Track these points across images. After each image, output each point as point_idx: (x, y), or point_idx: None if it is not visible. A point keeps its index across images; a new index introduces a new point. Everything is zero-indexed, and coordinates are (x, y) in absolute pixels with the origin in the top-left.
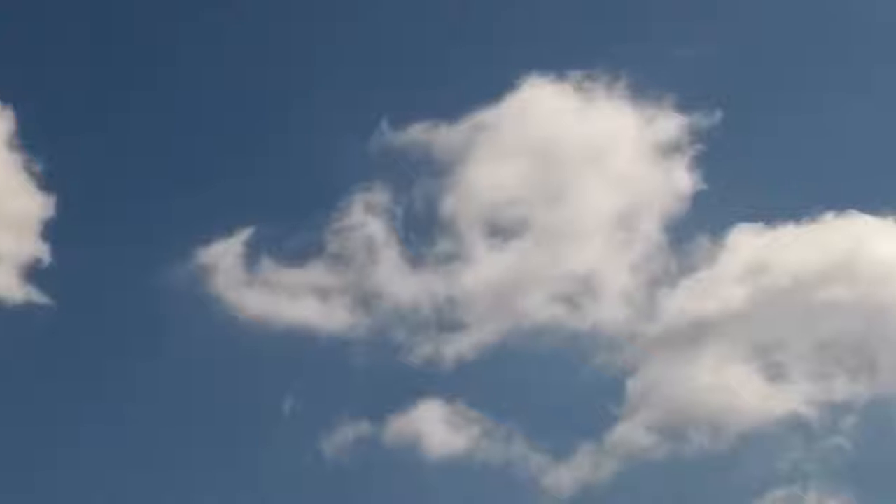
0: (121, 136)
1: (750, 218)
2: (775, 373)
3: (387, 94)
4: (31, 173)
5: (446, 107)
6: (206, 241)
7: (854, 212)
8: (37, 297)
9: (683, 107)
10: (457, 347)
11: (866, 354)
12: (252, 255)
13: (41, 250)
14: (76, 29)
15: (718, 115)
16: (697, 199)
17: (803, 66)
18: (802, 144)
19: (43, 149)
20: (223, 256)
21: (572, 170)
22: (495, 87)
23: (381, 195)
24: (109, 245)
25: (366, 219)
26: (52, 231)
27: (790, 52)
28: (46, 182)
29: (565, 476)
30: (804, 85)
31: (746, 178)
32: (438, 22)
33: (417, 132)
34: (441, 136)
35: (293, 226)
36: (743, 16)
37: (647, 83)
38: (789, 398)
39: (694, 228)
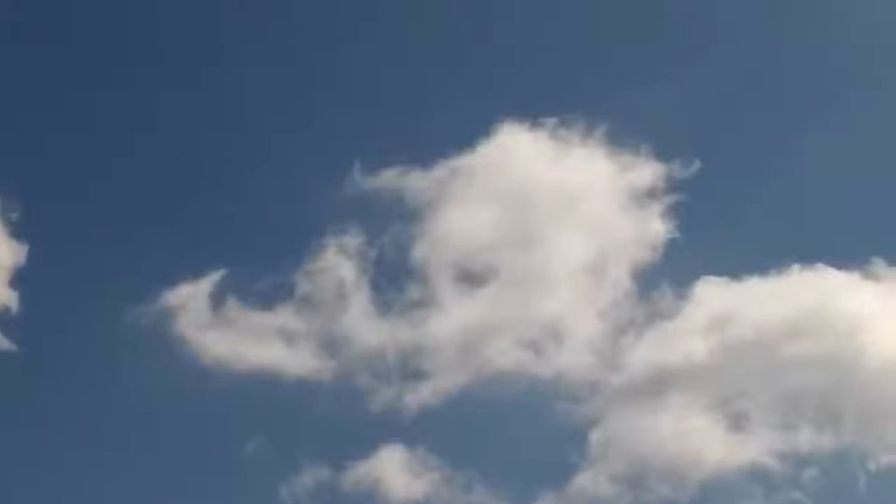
0: (93, 177)
1: (717, 270)
2: (738, 423)
3: (361, 139)
4: (6, 221)
5: (420, 152)
6: (175, 283)
7: (821, 265)
8: (2, 343)
9: (661, 155)
10: (420, 394)
11: (831, 407)
12: (220, 298)
13: (10, 297)
14: (48, 78)
15: (696, 164)
16: (668, 248)
17: (781, 119)
18: (775, 197)
19: (17, 197)
20: (190, 298)
21: (545, 217)
22: (470, 134)
23: (353, 239)
24: (78, 290)
25: (337, 263)
26: (21, 279)
27: (769, 103)
28: (19, 230)
29: None
30: (781, 137)
31: (718, 229)
32: (415, 67)
33: (390, 177)
34: (414, 182)
35: (264, 269)
36: (724, 64)
37: (625, 131)
38: (751, 449)
39: (662, 278)
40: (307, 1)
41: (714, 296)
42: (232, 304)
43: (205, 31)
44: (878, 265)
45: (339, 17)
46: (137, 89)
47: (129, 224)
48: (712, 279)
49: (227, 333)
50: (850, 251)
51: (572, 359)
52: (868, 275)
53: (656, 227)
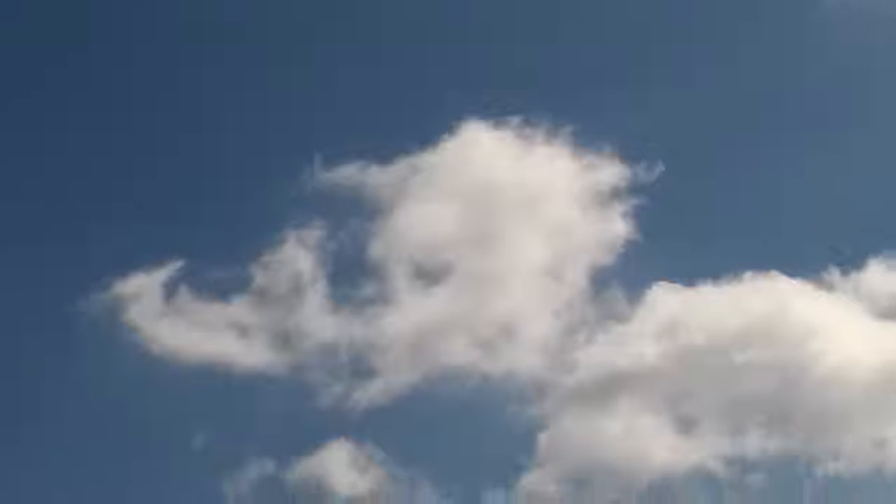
0: (53, 167)
1: (672, 275)
2: (686, 427)
3: (322, 133)
4: None
5: (382, 148)
6: (128, 273)
7: (775, 273)
8: None
9: (625, 157)
10: (370, 391)
11: (779, 413)
12: (173, 288)
13: None
14: None
15: (660, 167)
16: (626, 251)
17: (744, 126)
18: (733, 204)
19: None
20: (144, 288)
21: (505, 215)
22: (434, 130)
23: (312, 233)
24: (30, 279)
25: (295, 257)
26: None
27: (735, 110)
28: None
29: None
30: (743, 144)
31: (676, 233)
32: (379, 63)
33: (351, 172)
34: (374, 177)
35: (220, 260)
36: (692, 69)
37: (590, 132)
38: (699, 452)
39: (618, 281)
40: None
41: (667, 300)
42: (185, 294)
43: (167, 25)
44: (832, 274)
45: (303, 12)
46: (94, 79)
47: (84, 214)
48: (666, 284)
49: (179, 324)
50: (805, 260)
51: (524, 358)
52: (821, 283)
53: (616, 229)
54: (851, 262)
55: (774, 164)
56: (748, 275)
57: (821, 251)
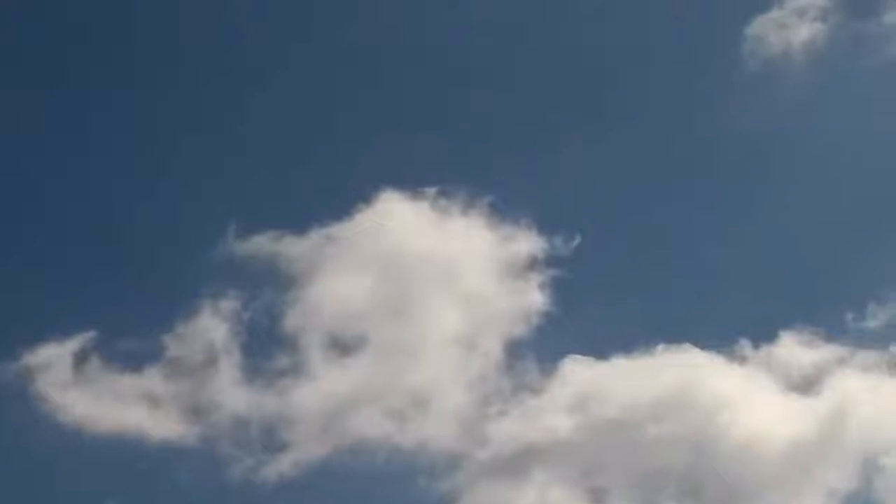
0: None
1: (585, 347)
2: (598, 498)
3: (237, 201)
4: None
5: (297, 218)
6: (38, 343)
7: (687, 346)
8: None
9: (543, 229)
10: (282, 464)
11: (691, 485)
12: (84, 358)
13: None
14: None
15: (577, 239)
16: (541, 323)
17: (662, 197)
18: (648, 276)
19: None
20: (54, 358)
21: (420, 286)
22: (350, 201)
23: (226, 304)
24: None
25: (209, 327)
26: None
27: (652, 182)
28: None
29: None
30: (660, 217)
31: (591, 305)
32: (296, 131)
33: (265, 242)
34: (289, 247)
35: (133, 330)
36: (610, 140)
37: (508, 203)
38: None
39: (532, 353)
40: (192, 64)
41: (580, 373)
42: (96, 364)
43: (77, 93)
44: (744, 347)
45: (220, 80)
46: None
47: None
48: (579, 357)
49: (89, 394)
50: (717, 332)
51: (437, 430)
52: (733, 356)
53: (532, 300)
54: (763, 334)
55: (688, 236)
56: (661, 347)
57: (733, 324)
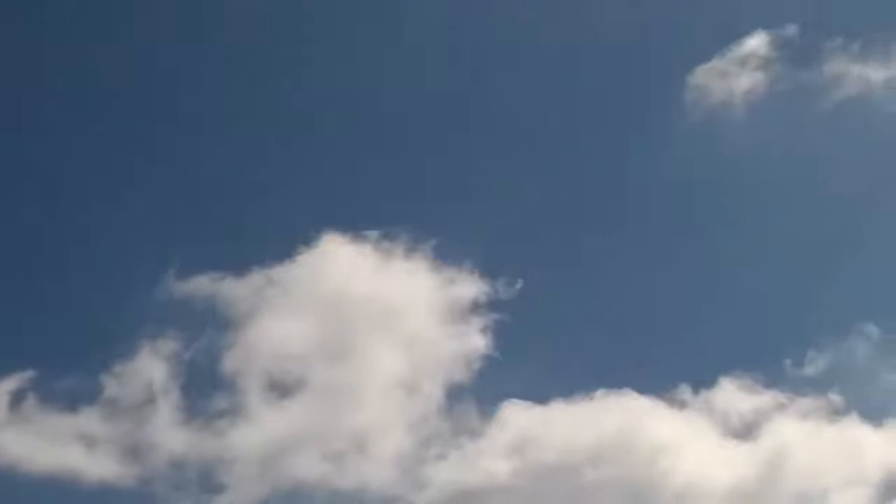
0: None
1: (525, 392)
2: None
3: (177, 243)
4: None
5: (237, 259)
6: None
7: (627, 391)
8: None
9: (485, 273)
10: None
11: None
12: (20, 397)
13: None
14: None
15: (519, 284)
16: (482, 367)
17: (605, 243)
18: (589, 321)
19: None
20: None
21: (362, 329)
22: (291, 243)
23: (164, 345)
24: None
25: (147, 368)
26: None
27: (595, 227)
28: None
29: None
30: (602, 262)
31: (532, 349)
32: (236, 172)
33: (205, 283)
34: (229, 289)
35: (70, 370)
36: (552, 185)
37: (451, 247)
38: None
39: (472, 397)
40: (134, 94)
41: (520, 417)
42: (32, 404)
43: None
44: (684, 392)
45: (161, 115)
46: None
47: None
48: (519, 401)
49: (25, 434)
50: (657, 378)
51: (376, 473)
52: (673, 401)
53: (473, 344)
54: (703, 380)
55: (630, 281)
56: (601, 392)
57: (673, 369)
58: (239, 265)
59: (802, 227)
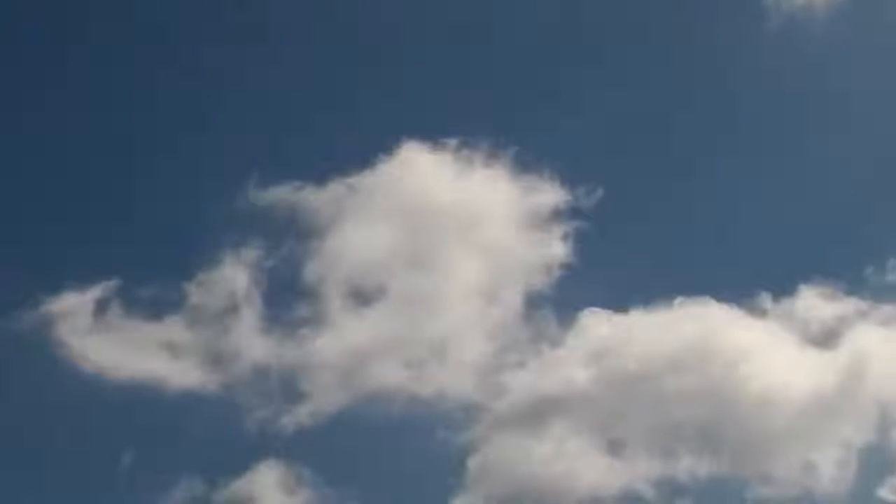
0: None
1: (604, 300)
2: (615, 450)
3: (259, 152)
4: None
5: (318, 168)
6: (59, 291)
7: (706, 299)
8: None
9: (565, 181)
10: (300, 412)
11: (709, 437)
12: (105, 306)
13: None
14: None
15: (599, 192)
16: (561, 275)
17: (683, 152)
18: (669, 229)
19: None
20: (75, 306)
21: (441, 237)
22: (371, 151)
23: (247, 254)
24: None
25: (230, 277)
26: None
27: (675, 136)
28: None
29: None
30: (682, 171)
31: (611, 258)
32: (317, 82)
33: (286, 192)
34: (310, 198)
35: (154, 280)
36: (634, 94)
37: (531, 155)
38: (627, 475)
39: (551, 305)
40: (205, 9)
41: (599, 325)
42: (117, 312)
43: (95, 34)
44: (764, 300)
45: (239, 28)
46: (29, 88)
47: (16, 231)
48: (598, 310)
49: (109, 342)
50: (737, 286)
51: (455, 381)
52: (753, 309)
53: (553, 252)
54: (783, 288)
55: (710, 189)
56: (679, 300)
57: (753, 277)
58: (319, 174)
59: (886, 134)
